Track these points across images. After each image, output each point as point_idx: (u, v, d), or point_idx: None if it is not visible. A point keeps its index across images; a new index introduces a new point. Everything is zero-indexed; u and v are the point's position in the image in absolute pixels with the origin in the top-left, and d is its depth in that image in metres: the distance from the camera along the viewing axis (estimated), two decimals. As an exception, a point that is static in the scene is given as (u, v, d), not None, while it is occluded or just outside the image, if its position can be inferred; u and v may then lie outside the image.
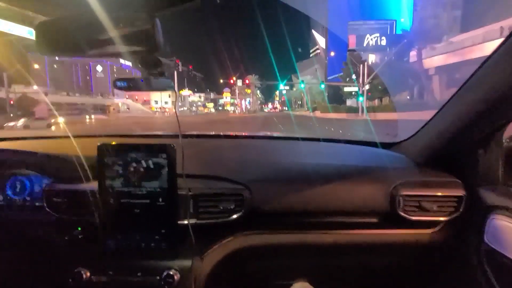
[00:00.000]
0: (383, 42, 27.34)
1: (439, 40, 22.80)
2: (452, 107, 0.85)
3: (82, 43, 0.54)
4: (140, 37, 0.53)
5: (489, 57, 0.68)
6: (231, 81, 22.13)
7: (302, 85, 24.97)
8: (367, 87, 21.13)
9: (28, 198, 0.93)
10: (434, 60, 22.76)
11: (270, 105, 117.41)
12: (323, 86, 27.18)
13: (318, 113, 29.61)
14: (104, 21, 0.50)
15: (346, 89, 27.26)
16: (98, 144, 0.79)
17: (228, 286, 1.04)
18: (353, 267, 1.06)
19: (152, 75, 0.66)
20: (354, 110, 22.94)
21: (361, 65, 21.23)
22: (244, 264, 1.01)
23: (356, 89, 23.17)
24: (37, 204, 0.91)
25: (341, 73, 31.28)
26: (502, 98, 0.69)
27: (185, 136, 1.34)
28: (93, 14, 0.50)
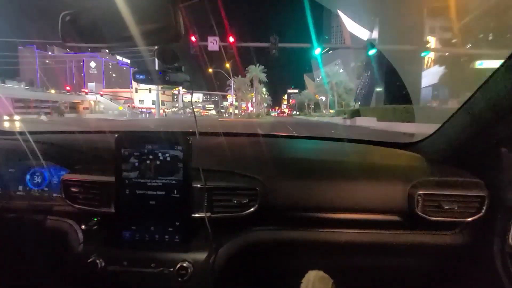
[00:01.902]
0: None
1: None
2: (474, 104, 0.81)
3: (103, 34, 0.56)
4: (161, 28, 0.53)
5: None
6: (192, 40, 9.25)
7: (373, 51, 11.32)
8: None
9: (46, 189, 0.97)
10: None
11: (278, 110, 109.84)
12: (426, 53, 13.29)
13: (371, 122, 16.75)
14: (127, 13, 0.50)
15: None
16: (116, 135, 0.80)
17: (241, 281, 1.00)
18: (369, 267, 1.00)
19: (169, 69, 0.67)
20: None
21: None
22: (258, 259, 0.98)
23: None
24: (55, 194, 0.95)
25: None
26: None
27: (202, 134, 1.35)
28: (115, 5, 0.51)
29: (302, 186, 0.89)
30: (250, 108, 61.54)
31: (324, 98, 62.67)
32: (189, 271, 0.76)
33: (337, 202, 0.88)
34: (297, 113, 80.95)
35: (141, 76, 0.66)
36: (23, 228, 0.96)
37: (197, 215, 0.82)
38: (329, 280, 0.81)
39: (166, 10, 0.51)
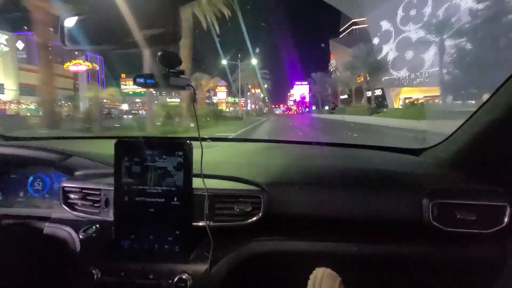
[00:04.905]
0: None
1: None
2: (492, 106, 0.78)
3: (104, 38, 0.57)
4: (161, 31, 0.53)
5: None
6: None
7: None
8: None
9: (47, 195, 0.97)
10: None
11: (284, 107, 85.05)
12: None
13: None
14: (128, 17, 0.50)
15: None
16: (116, 141, 0.79)
17: None
18: (380, 281, 0.93)
19: (171, 72, 0.65)
20: None
21: None
22: (261, 271, 0.93)
23: None
24: (55, 201, 0.93)
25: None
26: None
27: (204, 139, 1.27)
28: (114, 11, 0.51)
29: (309, 194, 0.86)
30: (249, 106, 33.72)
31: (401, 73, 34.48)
32: (188, 283, 0.73)
33: (346, 211, 0.85)
34: (327, 108, 52.85)
35: (141, 80, 0.63)
36: (22, 235, 0.93)
37: (198, 223, 0.79)
38: (337, 277, 0.77)
39: (166, 13, 0.51)
